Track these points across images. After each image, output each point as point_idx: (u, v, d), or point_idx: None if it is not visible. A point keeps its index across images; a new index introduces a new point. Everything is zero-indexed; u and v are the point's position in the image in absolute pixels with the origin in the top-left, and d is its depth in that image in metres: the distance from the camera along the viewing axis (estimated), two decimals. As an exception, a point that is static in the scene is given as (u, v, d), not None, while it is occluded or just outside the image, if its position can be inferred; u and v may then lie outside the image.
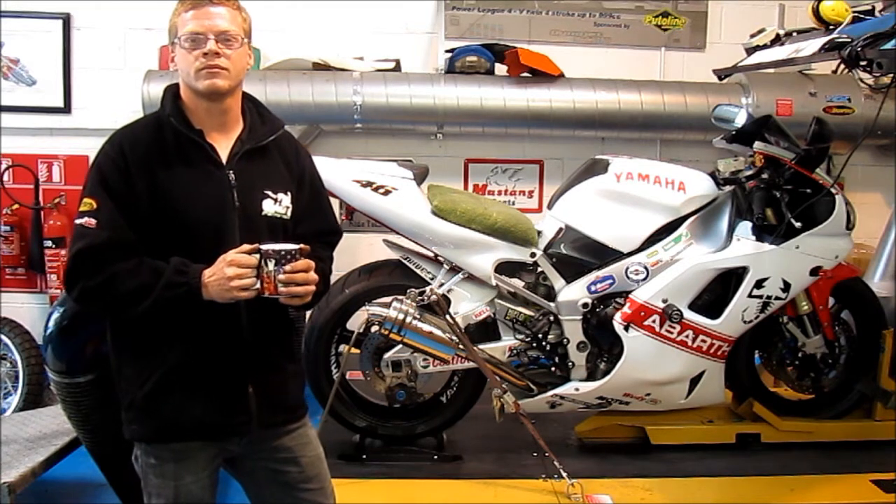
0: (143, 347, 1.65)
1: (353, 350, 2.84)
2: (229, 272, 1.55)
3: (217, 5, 1.62)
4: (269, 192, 1.71)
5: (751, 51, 3.49)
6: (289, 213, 1.74)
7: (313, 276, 1.62)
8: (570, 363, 2.90)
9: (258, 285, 1.57)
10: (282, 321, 1.77)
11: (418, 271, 2.91)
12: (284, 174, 1.76)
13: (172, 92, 1.70)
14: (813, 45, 2.88)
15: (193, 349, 1.64)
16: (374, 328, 2.82)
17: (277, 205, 1.72)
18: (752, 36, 3.55)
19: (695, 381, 2.91)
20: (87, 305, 1.68)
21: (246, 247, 1.58)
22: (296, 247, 1.58)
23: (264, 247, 1.57)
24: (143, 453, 1.70)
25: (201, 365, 1.65)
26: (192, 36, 1.61)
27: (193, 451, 1.69)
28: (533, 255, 2.89)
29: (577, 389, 2.89)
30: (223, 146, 1.68)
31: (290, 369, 1.81)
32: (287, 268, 1.56)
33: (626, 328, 2.81)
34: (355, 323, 2.93)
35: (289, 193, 1.74)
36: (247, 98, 1.76)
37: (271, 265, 1.56)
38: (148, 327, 1.62)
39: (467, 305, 2.87)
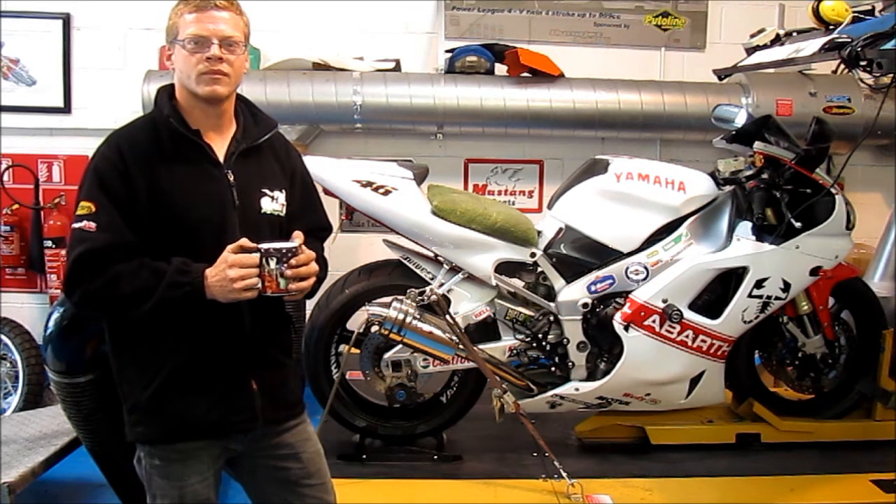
0: (145, 349, 1.65)
1: (353, 350, 2.84)
2: (232, 274, 1.56)
3: (221, 10, 1.62)
4: (266, 191, 1.72)
5: (751, 51, 3.49)
6: (284, 211, 1.76)
7: (315, 267, 1.65)
8: (570, 363, 2.90)
9: (260, 284, 1.57)
10: (280, 317, 1.80)
11: (418, 271, 2.91)
12: (278, 173, 1.78)
13: (168, 92, 1.70)
14: (813, 45, 2.87)
15: (197, 348, 1.64)
16: (374, 328, 2.82)
17: (274, 203, 1.73)
18: (752, 36, 3.55)
19: (695, 381, 2.91)
20: (88, 310, 1.68)
21: (244, 242, 1.58)
22: (295, 244, 1.60)
23: (264, 246, 1.58)
24: (147, 455, 1.70)
25: (205, 364, 1.65)
26: (195, 38, 1.60)
27: (198, 451, 1.69)
28: (533, 255, 2.89)
29: (577, 389, 2.89)
30: (219, 146, 1.69)
31: (289, 365, 1.83)
32: (293, 261, 1.58)
33: (626, 328, 2.81)
34: (355, 323, 2.93)
35: (283, 191, 1.76)
36: (239, 98, 1.77)
37: (272, 264, 1.57)
38: (149, 328, 1.62)
39: (467, 305, 2.87)
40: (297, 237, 1.63)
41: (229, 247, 1.58)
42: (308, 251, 1.62)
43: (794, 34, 3.36)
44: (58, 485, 2.82)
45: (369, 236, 3.82)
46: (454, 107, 3.88)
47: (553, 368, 2.95)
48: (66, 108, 4.17)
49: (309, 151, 3.92)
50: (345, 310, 2.97)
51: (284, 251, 1.58)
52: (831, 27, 2.99)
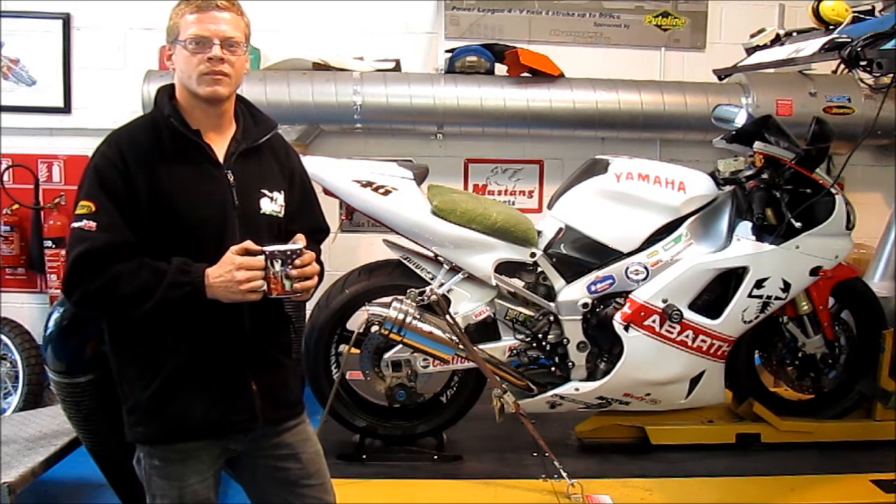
0: (144, 349, 1.65)
1: (353, 350, 2.84)
2: (239, 276, 1.57)
3: (223, 10, 1.62)
4: (266, 191, 1.73)
5: (751, 51, 3.49)
6: (283, 212, 1.76)
7: (317, 266, 1.67)
8: (570, 363, 2.90)
9: (265, 287, 1.59)
10: (279, 317, 1.80)
11: (418, 271, 2.91)
12: (277, 173, 1.78)
13: (168, 92, 1.71)
14: (813, 45, 2.87)
15: (197, 348, 1.64)
16: (374, 328, 2.82)
17: (273, 203, 1.74)
18: (752, 36, 3.55)
19: (695, 381, 2.91)
20: (87, 309, 1.68)
21: (249, 244, 1.59)
22: (298, 246, 1.61)
23: (269, 248, 1.59)
24: (147, 455, 1.70)
25: (205, 364, 1.65)
26: (197, 39, 1.60)
27: (198, 451, 1.69)
28: (533, 255, 2.89)
29: (577, 389, 2.89)
30: (219, 146, 1.69)
31: (289, 365, 1.83)
32: (297, 262, 1.60)
33: (626, 328, 2.81)
34: (355, 323, 2.93)
35: (282, 192, 1.77)
36: (239, 99, 1.77)
37: (277, 266, 1.59)
38: (149, 328, 1.62)
39: (467, 305, 2.87)
40: (300, 240, 1.64)
41: (233, 248, 1.59)
42: (309, 252, 1.64)
43: (794, 34, 3.36)
44: (58, 485, 2.82)
45: (369, 236, 3.82)
46: (454, 107, 3.88)
47: (553, 368, 2.95)
48: (66, 108, 4.17)
49: (309, 151, 3.92)
50: (345, 310, 2.97)
51: (289, 253, 1.59)
52: (831, 27, 2.99)
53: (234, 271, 1.57)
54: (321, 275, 1.75)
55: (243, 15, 1.68)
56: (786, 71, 3.84)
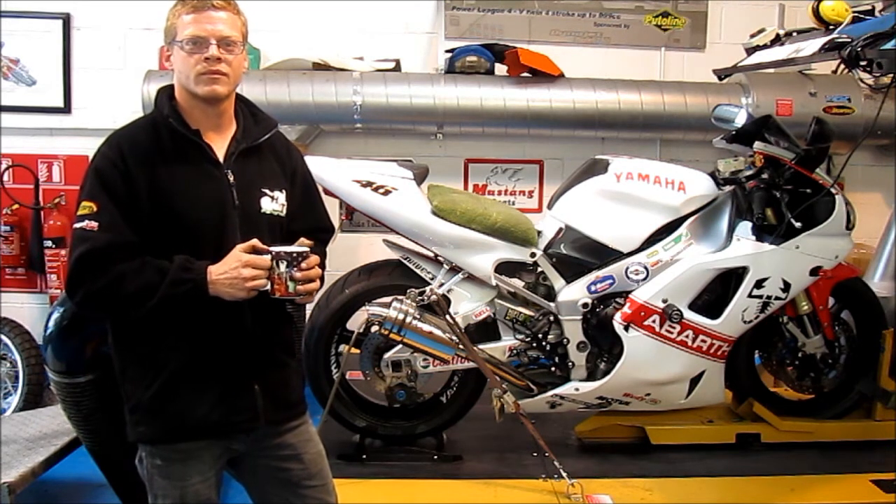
0: (147, 348, 1.65)
1: (353, 350, 2.84)
2: (245, 273, 1.57)
3: (219, 10, 1.63)
4: (266, 191, 1.73)
5: (751, 51, 3.49)
6: (284, 211, 1.76)
7: (319, 270, 1.67)
8: (570, 363, 2.90)
9: (269, 287, 1.59)
10: (282, 317, 1.80)
11: (418, 271, 2.91)
12: (278, 172, 1.78)
13: (167, 93, 1.71)
14: (813, 45, 2.88)
15: (200, 348, 1.65)
16: (374, 328, 2.82)
17: (274, 203, 1.74)
18: (752, 36, 3.55)
19: (695, 381, 2.91)
20: (91, 309, 1.68)
21: (256, 243, 1.60)
22: (305, 249, 1.62)
23: (276, 249, 1.59)
24: (149, 455, 1.70)
25: (208, 363, 1.66)
26: (194, 39, 1.61)
27: (199, 451, 1.70)
28: (533, 255, 2.89)
29: (577, 389, 2.89)
30: (219, 146, 1.70)
31: (291, 365, 1.84)
32: (304, 265, 1.60)
33: (626, 328, 2.81)
34: (355, 323, 2.93)
35: (283, 191, 1.77)
36: (238, 99, 1.77)
37: (283, 267, 1.60)
38: (152, 327, 1.63)
39: (467, 305, 2.87)
40: (304, 243, 1.65)
41: (240, 246, 1.60)
42: (315, 256, 1.64)
43: (794, 34, 3.36)
44: (58, 485, 2.82)
45: (369, 236, 3.82)
46: (454, 107, 3.88)
47: (553, 368, 2.95)
48: (66, 108, 4.17)
49: (309, 151, 3.92)
50: (345, 310, 2.97)
51: (295, 255, 1.60)
52: (831, 27, 2.99)
53: (240, 268, 1.58)
54: (322, 278, 1.75)
55: (240, 14, 1.68)
56: (786, 71, 3.84)
